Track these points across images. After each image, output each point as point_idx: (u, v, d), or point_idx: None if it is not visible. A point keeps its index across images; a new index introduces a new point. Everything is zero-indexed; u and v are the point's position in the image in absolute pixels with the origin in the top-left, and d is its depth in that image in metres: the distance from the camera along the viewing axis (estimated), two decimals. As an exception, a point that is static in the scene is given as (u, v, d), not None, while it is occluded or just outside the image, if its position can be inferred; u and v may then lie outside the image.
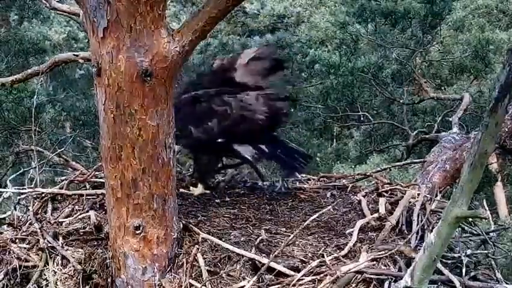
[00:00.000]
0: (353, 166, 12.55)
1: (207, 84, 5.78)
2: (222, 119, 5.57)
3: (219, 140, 5.60)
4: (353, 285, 4.40)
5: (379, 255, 4.61)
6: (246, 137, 5.64)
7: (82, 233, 5.09)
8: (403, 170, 11.42)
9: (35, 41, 13.79)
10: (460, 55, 12.88)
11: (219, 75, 5.83)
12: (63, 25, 16.39)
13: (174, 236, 4.65)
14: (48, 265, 4.84)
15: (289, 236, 4.77)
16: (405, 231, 5.03)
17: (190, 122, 5.58)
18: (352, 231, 4.93)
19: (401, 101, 12.83)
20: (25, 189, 5.79)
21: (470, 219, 5.30)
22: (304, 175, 6.41)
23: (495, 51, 12.91)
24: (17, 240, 5.09)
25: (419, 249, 4.35)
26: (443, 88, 13.72)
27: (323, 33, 16.35)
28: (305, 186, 6.13)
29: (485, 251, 5.21)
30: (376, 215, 5.20)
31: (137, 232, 4.51)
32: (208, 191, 5.80)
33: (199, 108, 5.62)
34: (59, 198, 5.66)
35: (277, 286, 4.43)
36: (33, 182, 5.94)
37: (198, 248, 4.70)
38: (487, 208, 5.26)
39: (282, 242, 4.76)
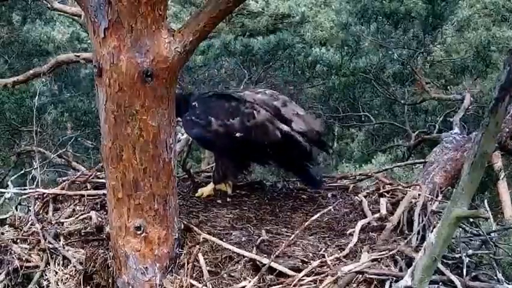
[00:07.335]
0: (355, 167, 12.52)
1: None
2: (246, 120, 5.45)
3: (237, 135, 5.44)
4: (354, 285, 4.40)
5: (380, 255, 4.61)
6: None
7: (83, 234, 5.10)
8: (408, 169, 11.38)
9: (38, 42, 13.77)
10: (461, 56, 12.85)
11: None
12: (66, 25, 16.33)
13: (175, 237, 4.65)
14: (49, 265, 4.85)
15: (290, 236, 4.77)
16: (406, 231, 5.04)
17: (212, 114, 5.50)
18: (353, 232, 4.94)
19: (402, 101, 12.83)
20: (26, 189, 5.81)
21: (472, 220, 5.30)
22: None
23: (500, 50, 12.85)
24: (18, 241, 5.11)
25: (419, 250, 4.35)
26: (446, 88, 13.70)
27: (328, 32, 16.32)
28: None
29: (487, 251, 5.21)
30: (377, 215, 5.21)
31: (138, 232, 4.51)
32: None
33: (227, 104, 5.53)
34: (61, 198, 5.68)
35: (278, 286, 4.43)
36: (35, 183, 5.94)
37: (199, 248, 4.71)
38: (488, 208, 5.28)
39: (283, 243, 4.76)
